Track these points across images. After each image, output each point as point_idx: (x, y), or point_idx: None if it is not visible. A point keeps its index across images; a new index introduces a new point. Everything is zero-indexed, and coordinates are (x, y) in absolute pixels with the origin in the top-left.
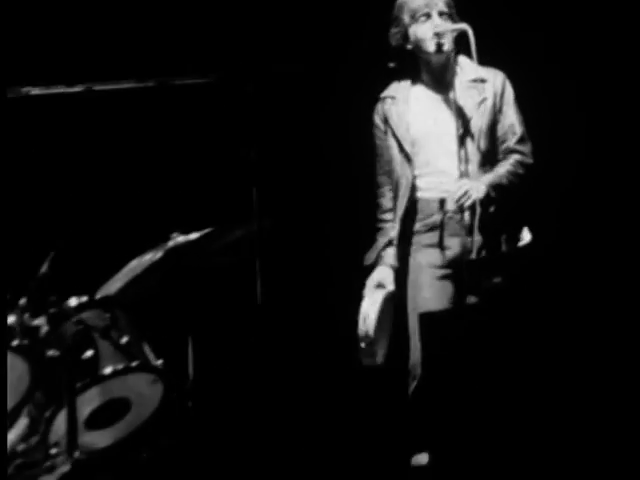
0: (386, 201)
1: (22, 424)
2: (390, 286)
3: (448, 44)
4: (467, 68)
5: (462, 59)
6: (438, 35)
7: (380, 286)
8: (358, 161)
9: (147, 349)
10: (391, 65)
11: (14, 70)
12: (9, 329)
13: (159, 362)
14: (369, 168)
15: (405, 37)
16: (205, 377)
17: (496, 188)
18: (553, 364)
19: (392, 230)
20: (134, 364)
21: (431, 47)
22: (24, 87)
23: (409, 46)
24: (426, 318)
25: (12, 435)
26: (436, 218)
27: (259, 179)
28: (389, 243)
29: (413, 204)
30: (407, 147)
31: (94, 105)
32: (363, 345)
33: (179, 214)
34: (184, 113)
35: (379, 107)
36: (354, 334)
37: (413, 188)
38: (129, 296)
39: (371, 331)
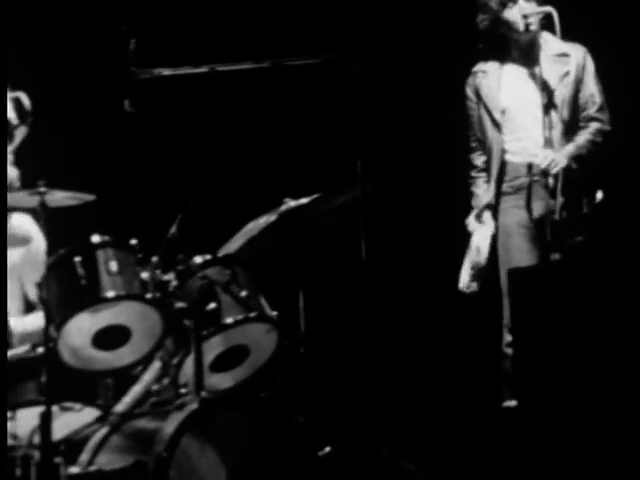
0: (479, 162)
1: (155, 367)
2: (491, 224)
3: (535, 24)
4: (551, 44)
5: (546, 35)
6: (526, 17)
7: (483, 223)
8: (454, 131)
9: (263, 302)
10: (480, 46)
11: (146, 53)
12: (143, 283)
13: (274, 313)
14: (464, 137)
15: (494, 21)
16: (314, 326)
17: (577, 159)
18: (632, 315)
19: (488, 191)
20: (252, 315)
21: (521, 27)
22: (155, 69)
23: (499, 29)
24: (514, 274)
25: (147, 376)
26: (523, 180)
27: (363, 149)
28: (488, 206)
29: (503, 167)
30: (497, 116)
31: (217, 83)
32: (474, 272)
33: (291, 181)
34: (296, 90)
35: (471, 80)
36: (449, 286)
37: (503, 152)
38: (247, 254)
39: (483, 261)
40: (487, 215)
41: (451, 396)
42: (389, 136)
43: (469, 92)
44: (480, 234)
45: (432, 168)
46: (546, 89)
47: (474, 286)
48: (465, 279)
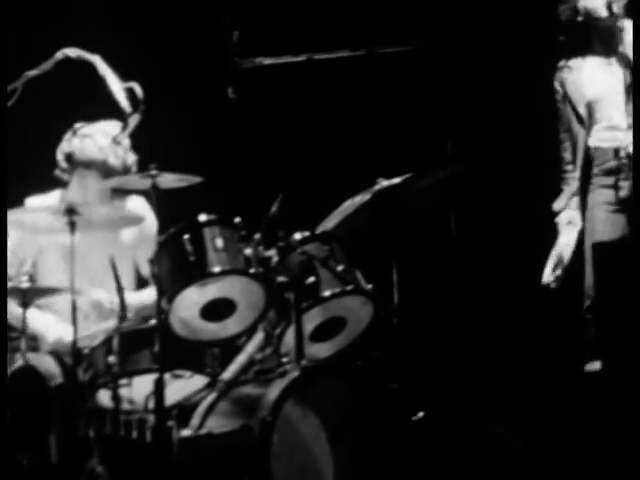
0: (567, 154)
1: (259, 338)
2: (579, 224)
3: (618, 8)
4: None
5: (628, 23)
6: (611, 2)
7: (570, 223)
8: (542, 115)
9: (359, 276)
10: (562, 38)
11: (249, 44)
12: (247, 259)
13: (369, 286)
14: (552, 124)
15: (575, 10)
16: (407, 298)
17: None
18: None
19: (574, 181)
20: (349, 288)
21: (603, 13)
22: (257, 58)
23: (580, 18)
24: (598, 247)
25: (251, 346)
26: (612, 164)
27: (453, 129)
28: (575, 193)
29: (590, 154)
30: (581, 110)
31: (315, 71)
32: (558, 272)
33: (384, 162)
34: (390, 76)
35: (557, 75)
36: (536, 258)
37: (587, 145)
38: (343, 231)
39: (566, 261)
40: (575, 214)
41: (537, 361)
42: (479, 116)
43: (556, 86)
44: (565, 237)
45: (521, 149)
46: (630, 70)
47: (557, 280)
48: (549, 274)
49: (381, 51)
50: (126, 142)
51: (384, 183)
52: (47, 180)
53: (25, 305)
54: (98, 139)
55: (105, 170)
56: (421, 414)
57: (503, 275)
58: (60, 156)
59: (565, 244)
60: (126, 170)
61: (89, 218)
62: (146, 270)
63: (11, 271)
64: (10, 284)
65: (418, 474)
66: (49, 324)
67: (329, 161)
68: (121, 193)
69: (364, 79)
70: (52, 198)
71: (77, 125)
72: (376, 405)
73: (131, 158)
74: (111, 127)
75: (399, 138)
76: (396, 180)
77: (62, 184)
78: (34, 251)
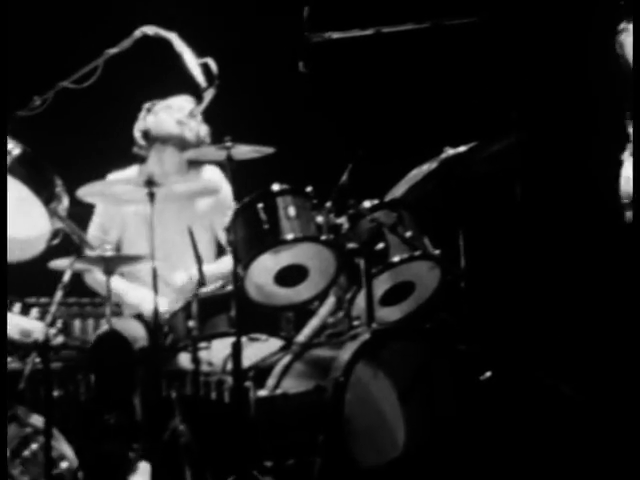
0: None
1: (330, 302)
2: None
3: None
4: None
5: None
6: None
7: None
8: (610, 80)
9: (427, 241)
10: (622, 2)
11: (319, 19)
12: (318, 226)
13: (437, 252)
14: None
15: None
16: (473, 263)
17: None
18: None
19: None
20: (417, 253)
21: None
22: (326, 32)
23: None
24: None
25: (324, 310)
26: None
27: (518, 100)
28: None
29: None
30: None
31: (383, 44)
32: (627, 201)
33: (451, 131)
34: (455, 47)
35: (618, 38)
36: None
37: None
38: (412, 199)
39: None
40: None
41: (605, 322)
42: (544, 84)
43: (617, 49)
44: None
45: (585, 114)
46: None
47: (628, 215)
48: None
49: (446, 23)
50: (199, 115)
51: (450, 152)
52: (126, 156)
53: (109, 273)
54: (172, 114)
55: (181, 143)
56: (488, 374)
57: (567, 240)
58: (137, 134)
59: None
60: (200, 142)
61: (167, 189)
62: (223, 238)
63: (96, 241)
64: (95, 253)
65: (486, 433)
66: (144, 297)
67: (397, 131)
68: (196, 165)
69: (430, 50)
70: (131, 172)
71: (150, 103)
72: (444, 366)
73: (204, 131)
74: (183, 101)
75: (465, 107)
76: (462, 148)
77: (140, 160)
78: (119, 222)
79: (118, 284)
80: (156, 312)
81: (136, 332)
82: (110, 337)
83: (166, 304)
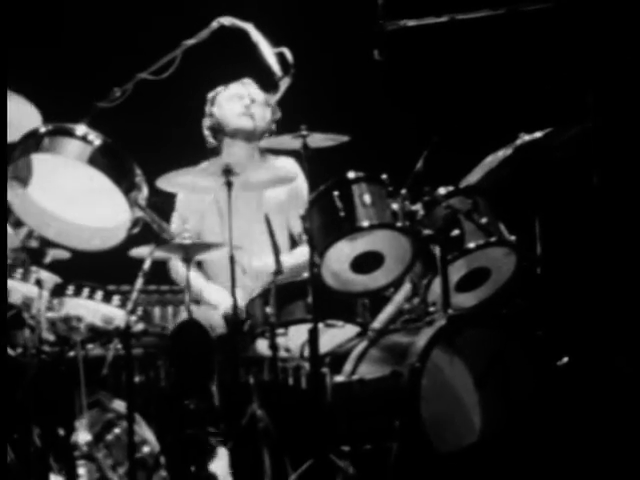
0: None
1: (406, 288)
2: None
3: None
4: None
5: None
6: None
7: None
8: None
9: (502, 227)
10: None
11: (394, 7)
12: (394, 213)
13: (513, 238)
14: None
15: None
16: (550, 249)
17: None
18: None
19: None
20: (492, 240)
21: None
22: (401, 20)
23: None
24: None
25: (399, 297)
26: None
27: (594, 84)
28: None
29: None
30: None
31: (457, 31)
32: None
33: (526, 117)
34: (530, 32)
35: None
36: None
37: None
38: (487, 185)
39: None
40: None
41: None
42: (620, 69)
43: None
44: None
45: None
46: None
47: None
48: None
49: (522, 9)
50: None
51: (526, 137)
52: (204, 146)
53: (188, 260)
54: (235, 105)
55: (248, 135)
56: (566, 359)
57: None
58: (206, 131)
59: None
60: (268, 129)
61: (244, 178)
62: (297, 228)
63: (176, 229)
64: (174, 241)
65: (563, 420)
66: (223, 299)
67: (472, 117)
68: (271, 153)
69: (505, 36)
70: (208, 164)
71: (213, 92)
72: (521, 352)
73: (275, 119)
74: (243, 87)
75: (540, 92)
76: (538, 134)
77: (216, 153)
78: (197, 211)
79: (199, 282)
80: (235, 302)
81: (214, 320)
82: (189, 326)
83: (243, 301)
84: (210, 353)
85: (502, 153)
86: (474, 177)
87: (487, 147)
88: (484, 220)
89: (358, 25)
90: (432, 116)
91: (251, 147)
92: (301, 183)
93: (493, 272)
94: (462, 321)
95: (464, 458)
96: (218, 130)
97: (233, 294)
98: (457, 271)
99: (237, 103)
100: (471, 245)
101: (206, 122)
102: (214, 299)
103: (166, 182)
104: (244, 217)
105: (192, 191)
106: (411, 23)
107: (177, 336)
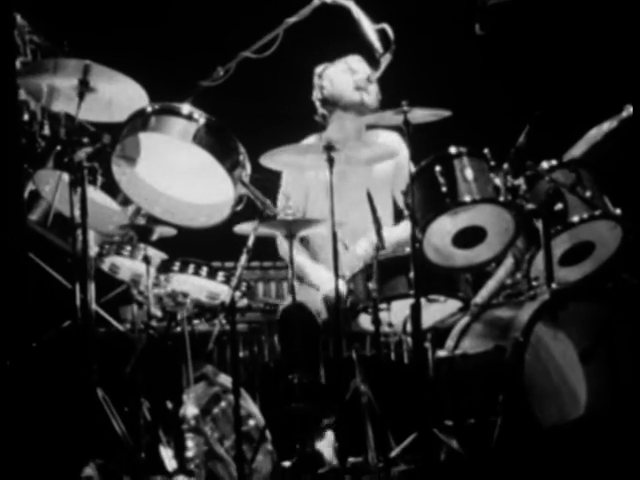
0: None
1: (509, 263)
2: None
3: None
4: None
5: None
6: None
7: None
8: None
9: (607, 201)
10: None
11: None
12: (496, 188)
13: (618, 211)
14: None
15: None
16: None
17: None
18: None
19: None
20: (597, 213)
21: None
22: None
23: None
24: None
25: (502, 271)
26: None
27: None
28: None
29: None
30: None
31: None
32: None
33: (632, 88)
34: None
35: None
36: None
37: None
38: (591, 158)
39: None
40: None
41: None
42: None
43: None
44: None
45: None
46: None
47: None
48: None
49: None
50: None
51: (631, 109)
52: (306, 123)
53: (291, 237)
54: (350, 78)
55: (361, 109)
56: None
57: None
58: (317, 102)
59: None
60: (376, 107)
61: (347, 154)
62: (401, 201)
63: (279, 205)
64: (277, 217)
65: None
66: (325, 279)
67: (575, 90)
68: (373, 129)
69: (607, 9)
70: (312, 140)
71: (321, 67)
72: (628, 328)
73: (379, 95)
74: (357, 62)
75: None
76: None
77: (321, 128)
78: (302, 188)
79: (304, 261)
80: (337, 282)
81: (319, 305)
82: (297, 309)
83: (344, 286)
84: (316, 337)
85: (607, 126)
86: (578, 150)
87: (591, 120)
88: (588, 194)
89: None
90: (534, 90)
91: (361, 121)
92: (404, 158)
93: (598, 246)
94: (566, 295)
95: (568, 433)
96: (330, 103)
97: (336, 270)
98: (561, 245)
99: (351, 77)
100: (575, 219)
101: (317, 94)
102: (316, 279)
103: (269, 159)
104: (348, 193)
105: (297, 169)
106: None
107: (285, 320)
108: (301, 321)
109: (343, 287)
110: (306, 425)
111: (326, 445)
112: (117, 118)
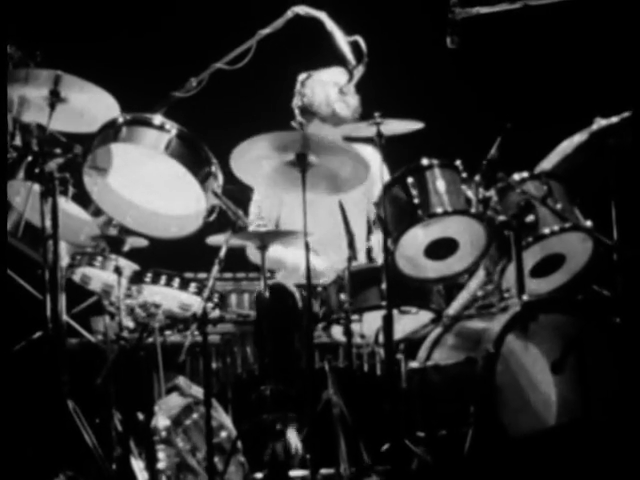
0: None
1: (480, 275)
2: None
3: None
4: None
5: None
6: None
7: None
8: None
9: (578, 213)
10: None
11: None
12: (468, 200)
13: (588, 223)
14: None
15: None
16: (627, 234)
17: None
18: None
19: None
20: (568, 225)
21: None
22: (474, 8)
23: None
24: None
25: (473, 283)
26: None
27: None
28: None
29: None
30: None
31: (531, 17)
32: None
33: (601, 101)
34: (603, 17)
35: None
36: None
37: None
38: (562, 171)
39: None
40: None
41: None
42: None
43: None
44: None
45: None
46: None
47: None
48: None
49: None
50: (352, 92)
51: (602, 122)
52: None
53: (263, 248)
54: (330, 90)
55: (338, 120)
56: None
57: None
58: (296, 110)
59: None
60: (355, 118)
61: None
62: (372, 212)
63: (251, 216)
64: (250, 228)
65: None
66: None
67: (546, 102)
68: (349, 141)
69: (578, 22)
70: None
71: (302, 76)
72: (600, 340)
73: (357, 104)
74: (338, 74)
75: (615, 77)
76: (614, 119)
77: None
78: (276, 200)
79: (276, 248)
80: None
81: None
82: (275, 290)
83: (323, 264)
84: (294, 320)
85: (577, 138)
86: (549, 163)
87: (562, 132)
88: (559, 206)
89: (431, 13)
90: (506, 102)
91: (337, 132)
92: (376, 170)
93: (568, 258)
94: (537, 307)
95: (539, 443)
96: (309, 112)
97: (308, 279)
98: (532, 257)
99: (332, 87)
100: (546, 231)
101: (297, 102)
102: (294, 257)
103: (239, 156)
104: (321, 204)
105: (270, 184)
106: (484, 10)
107: (261, 302)
108: (278, 301)
109: (318, 262)
110: (276, 436)
111: (292, 432)
112: (89, 129)
